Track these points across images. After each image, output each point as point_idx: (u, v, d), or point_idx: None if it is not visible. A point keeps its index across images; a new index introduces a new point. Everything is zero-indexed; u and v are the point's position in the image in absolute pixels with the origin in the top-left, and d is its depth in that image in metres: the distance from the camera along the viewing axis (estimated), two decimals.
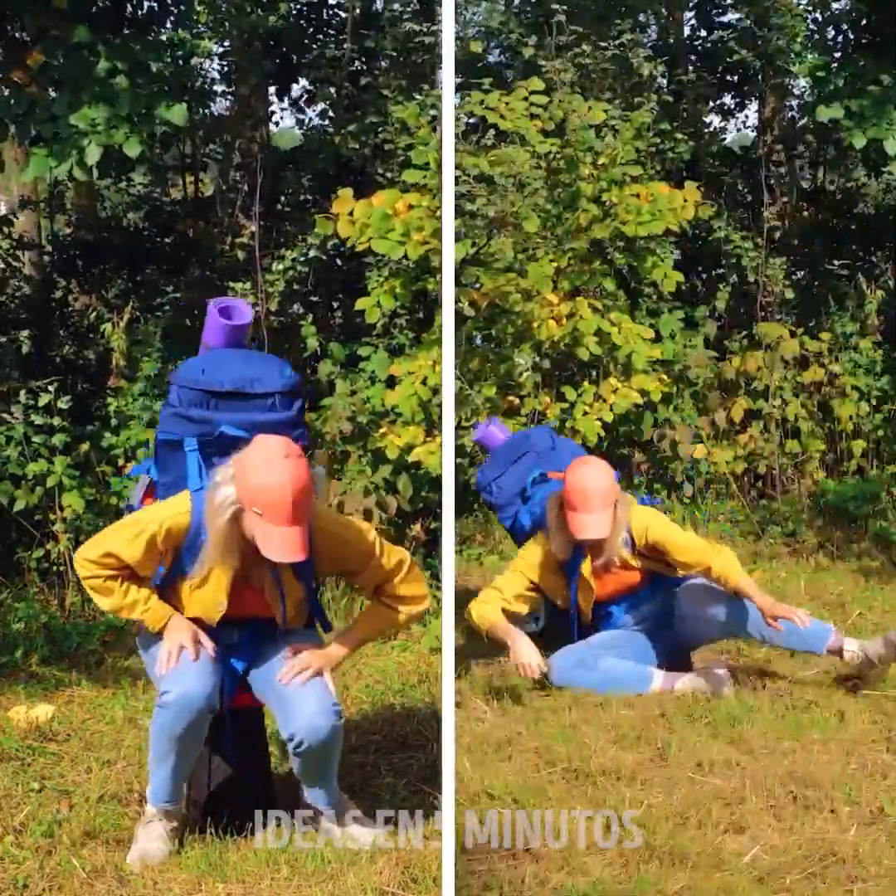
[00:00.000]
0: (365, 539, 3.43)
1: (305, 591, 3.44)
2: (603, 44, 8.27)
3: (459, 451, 6.61)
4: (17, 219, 10.03)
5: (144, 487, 3.58)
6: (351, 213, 6.51)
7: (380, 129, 8.64)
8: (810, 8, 9.05)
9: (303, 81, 10.58)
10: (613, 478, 4.65)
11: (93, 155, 5.96)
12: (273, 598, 3.39)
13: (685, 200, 7.07)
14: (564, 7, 7.86)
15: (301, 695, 3.31)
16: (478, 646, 5.27)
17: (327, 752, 3.34)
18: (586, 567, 4.71)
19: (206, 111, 10.10)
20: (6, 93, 6.28)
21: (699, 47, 10.98)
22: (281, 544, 3.14)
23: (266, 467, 3.12)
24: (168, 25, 7.20)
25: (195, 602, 3.38)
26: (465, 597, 6.05)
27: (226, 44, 9.72)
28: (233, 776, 3.51)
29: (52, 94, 6.19)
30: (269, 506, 3.11)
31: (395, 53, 9.90)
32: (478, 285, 6.92)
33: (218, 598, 3.34)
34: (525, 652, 4.61)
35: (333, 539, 3.38)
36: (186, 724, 3.25)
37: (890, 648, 4.48)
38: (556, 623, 4.97)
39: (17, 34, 6.77)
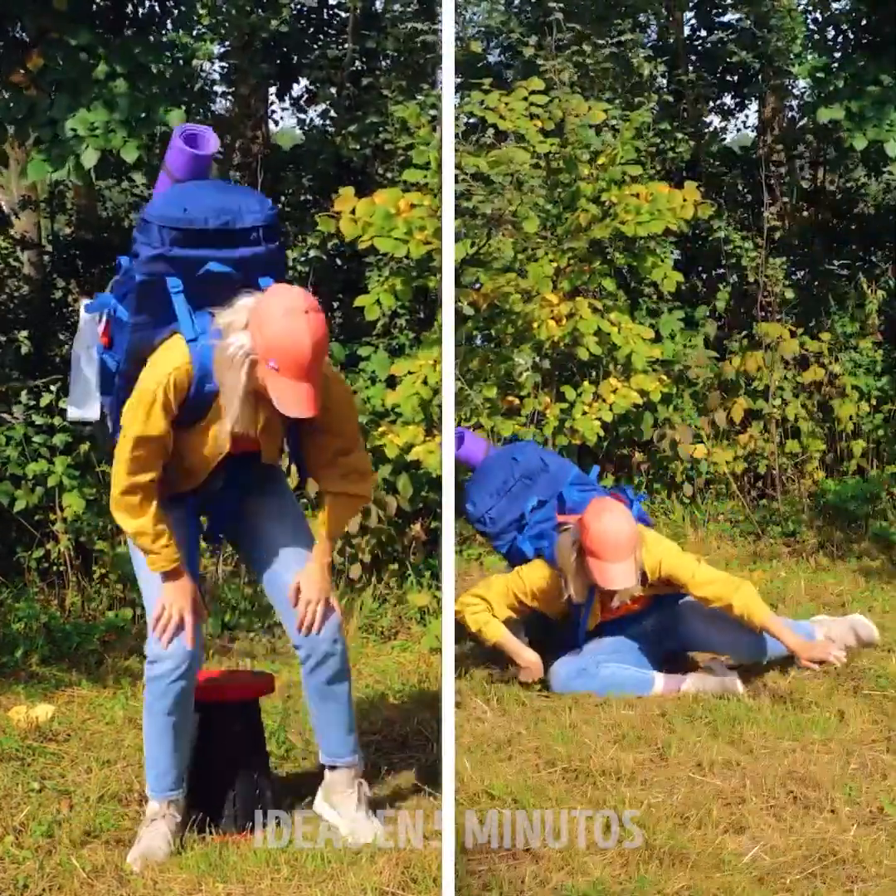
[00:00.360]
0: (349, 393, 3.45)
1: (287, 436, 3.43)
2: (601, 43, 8.27)
3: None
4: (18, 219, 10.03)
5: (103, 326, 3.41)
6: (353, 212, 6.51)
7: (380, 129, 8.64)
8: (810, 8, 9.06)
9: (303, 81, 10.59)
10: (634, 521, 4.52)
11: (90, 159, 5.95)
12: (271, 435, 3.34)
13: (685, 200, 7.07)
14: (563, 6, 7.86)
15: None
16: (478, 646, 5.28)
17: (339, 668, 3.40)
18: (596, 605, 4.68)
19: (207, 112, 10.09)
20: (6, 96, 6.27)
21: (699, 47, 10.98)
22: (295, 399, 3.07)
23: (285, 320, 3.04)
24: (169, 26, 7.20)
25: (196, 447, 3.29)
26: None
27: (226, 44, 9.72)
28: (231, 774, 3.51)
29: (52, 97, 6.18)
30: (287, 360, 3.04)
31: (395, 53, 9.90)
32: (478, 285, 6.92)
33: (220, 440, 3.27)
34: (529, 664, 4.69)
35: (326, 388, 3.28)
36: (179, 691, 3.28)
37: (854, 636, 4.76)
38: (551, 631, 4.94)
39: (16, 35, 6.76)
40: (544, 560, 4.71)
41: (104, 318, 3.42)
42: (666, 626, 4.81)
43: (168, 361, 3.18)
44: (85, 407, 3.47)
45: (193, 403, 3.22)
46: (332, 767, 3.51)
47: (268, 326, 3.05)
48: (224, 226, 3.20)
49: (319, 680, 3.41)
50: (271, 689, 3.63)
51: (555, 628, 4.88)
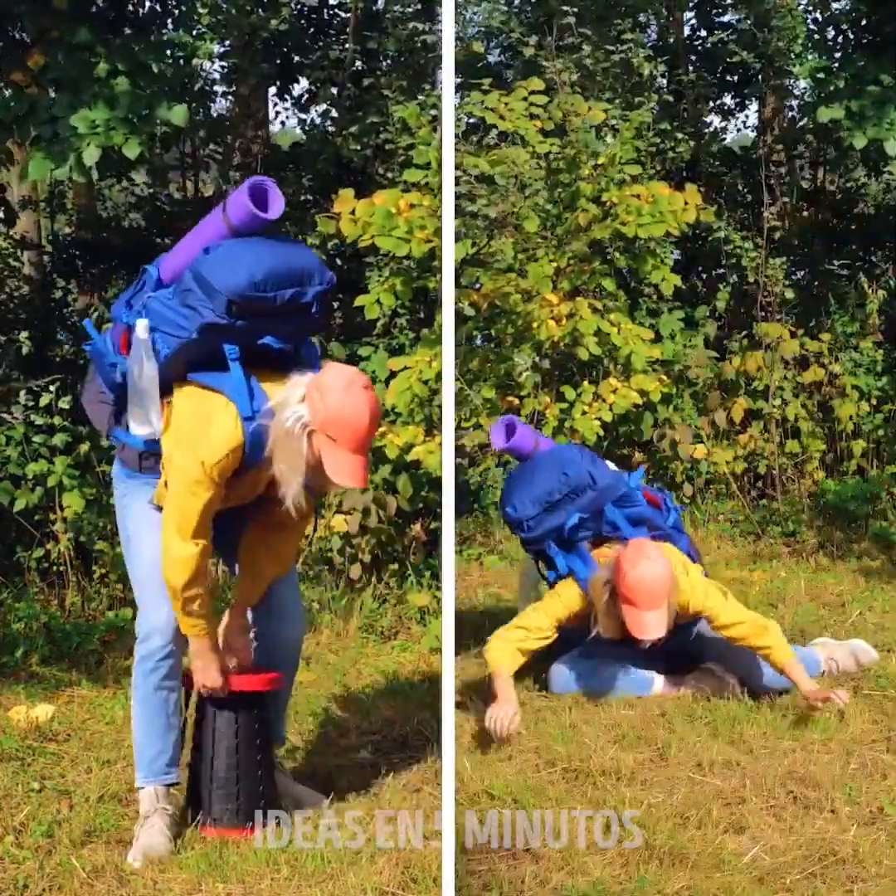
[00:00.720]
0: None
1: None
2: (610, 48, 8.26)
3: (459, 451, 6.61)
4: (19, 219, 10.03)
5: (120, 336, 3.36)
6: (352, 212, 6.51)
7: (381, 129, 8.64)
8: (810, 8, 9.05)
9: (304, 81, 10.59)
10: (671, 566, 4.36)
11: (91, 156, 5.96)
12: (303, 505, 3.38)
13: (686, 203, 7.05)
14: (567, 7, 7.86)
15: (283, 599, 3.59)
16: (478, 646, 5.28)
17: (297, 661, 3.72)
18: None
19: (207, 112, 10.09)
20: (6, 94, 6.28)
21: (699, 47, 10.98)
22: (350, 471, 3.17)
23: (347, 394, 3.15)
24: (169, 26, 7.20)
25: (226, 497, 3.35)
26: (466, 599, 6.06)
27: (227, 44, 9.72)
28: (235, 768, 3.47)
29: (53, 95, 6.19)
30: (346, 432, 3.15)
31: (396, 54, 9.90)
32: (478, 285, 6.92)
33: (243, 493, 3.37)
34: (504, 710, 4.14)
35: None
36: (169, 667, 3.38)
37: (855, 661, 4.74)
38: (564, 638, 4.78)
39: (17, 35, 6.76)
40: (576, 581, 4.58)
41: (122, 329, 3.39)
42: (682, 642, 4.74)
43: (224, 438, 3.20)
44: (149, 423, 3.41)
45: (237, 471, 3.30)
46: None
47: (330, 399, 3.14)
48: (290, 301, 3.26)
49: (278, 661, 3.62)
50: (279, 684, 3.62)
51: (570, 636, 4.75)
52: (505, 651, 4.46)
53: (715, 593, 4.48)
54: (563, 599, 4.57)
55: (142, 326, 3.30)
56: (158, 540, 3.32)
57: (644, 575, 4.25)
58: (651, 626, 4.27)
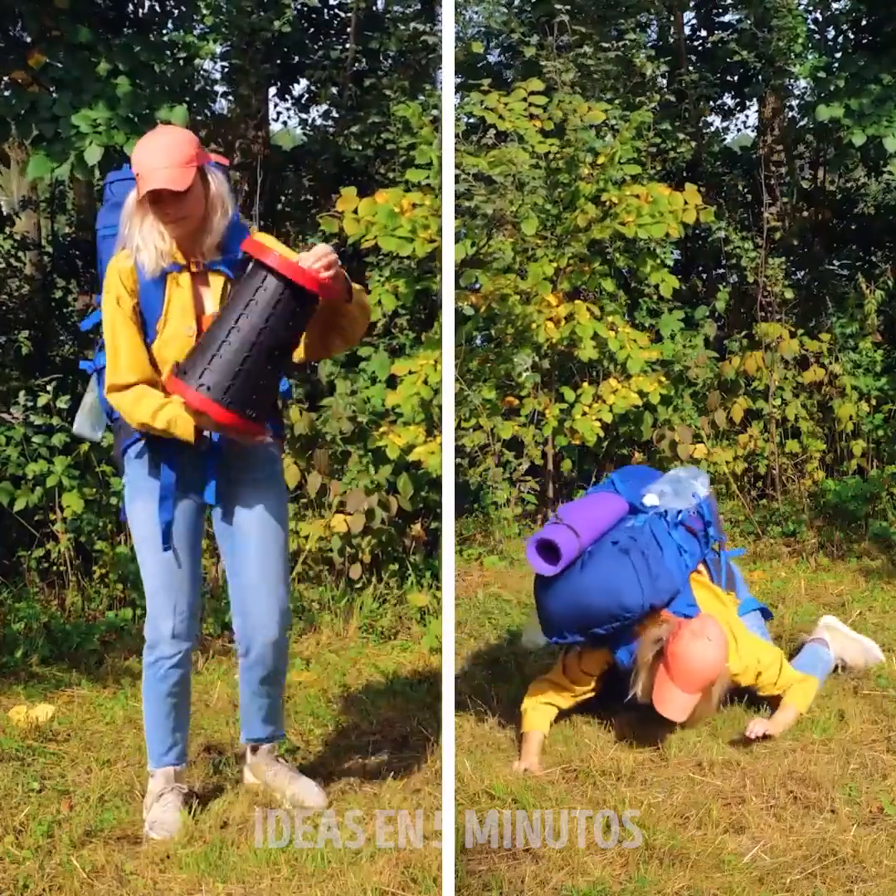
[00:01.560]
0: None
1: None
2: (606, 45, 8.25)
3: (459, 451, 6.61)
4: (19, 219, 10.04)
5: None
6: (355, 211, 6.51)
7: (382, 129, 8.64)
8: (810, 8, 9.05)
9: (304, 81, 10.58)
10: (725, 655, 4.04)
11: (93, 155, 5.97)
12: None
13: (686, 204, 7.05)
14: (567, 7, 7.85)
15: (257, 602, 3.50)
16: (478, 646, 5.28)
17: (271, 669, 3.58)
18: None
19: (207, 112, 10.08)
20: (7, 93, 6.28)
21: (699, 47, 10.96)
22: (155, 176, 3.26)
23: (143, 140, 3.35)
24: (170, 26, 7.21)
25: (169, 344, 3.38)
26: (466, 599, 6.05)
27: (228, 44, 9.71)
28: (249, 347, 3.24)
29: (54, 94, 6.19)
30: (140, 162, 3.28)
31: (397, 54, 9.90)
32: (477, 286, 6.92)
33: (186, 321, 3.38)
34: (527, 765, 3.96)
35: None
36: (178, 677, 3.48)
37: (864, 660, 4.72)
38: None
39: (18, 34, 6.77)
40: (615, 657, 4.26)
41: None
42: None
43: (112, 265, 3.39)
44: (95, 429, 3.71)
45: (147, 311, 3.37)
46: (255, 749, 3.73)
47: (134, 153, 3.34)
48: None
49: (253, 675, 3.60)
50: (329, 293, 3.32)
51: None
52: (541, 713, 4.19)
53: (770, 668, 4.29)
54: (597, 657, 4.29)
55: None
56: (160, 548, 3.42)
57: (696, 653, 3.98)
58: (675, 706, 3.99)
